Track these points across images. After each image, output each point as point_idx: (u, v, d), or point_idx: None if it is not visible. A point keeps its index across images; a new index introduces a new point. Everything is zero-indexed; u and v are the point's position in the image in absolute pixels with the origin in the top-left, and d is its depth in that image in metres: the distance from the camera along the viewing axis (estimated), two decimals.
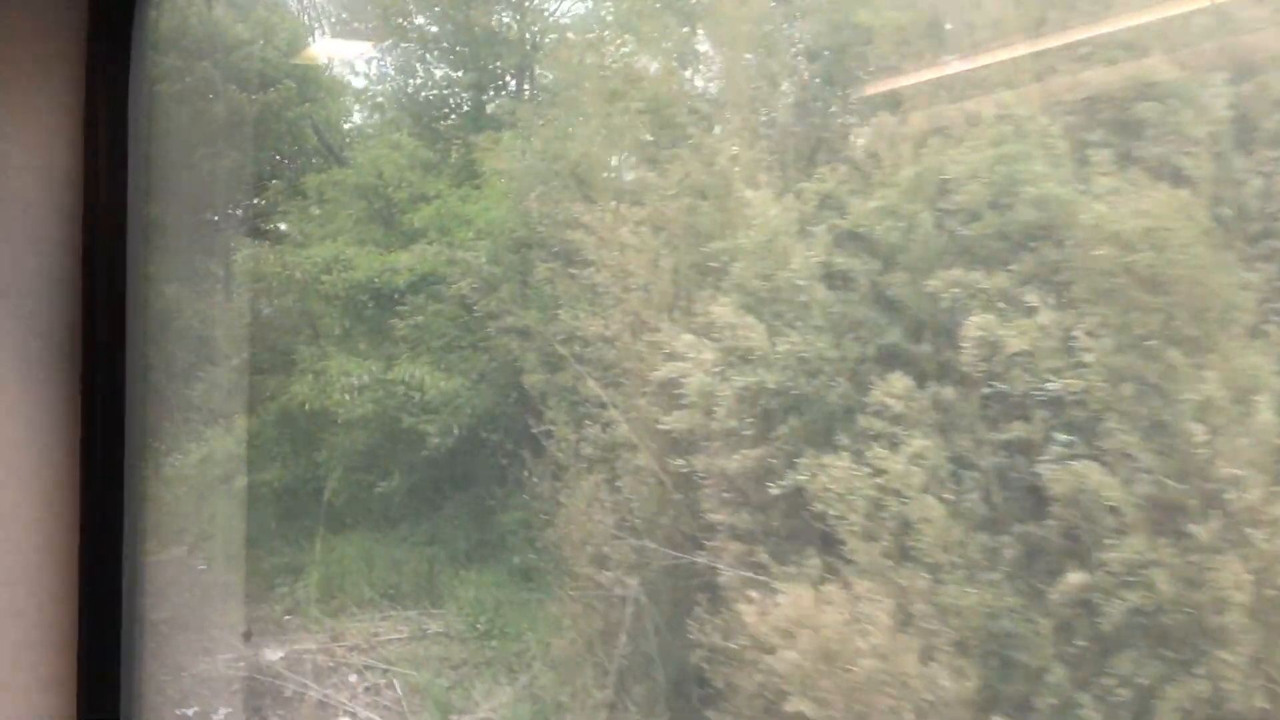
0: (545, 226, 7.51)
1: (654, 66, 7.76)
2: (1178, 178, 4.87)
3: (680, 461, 5.73)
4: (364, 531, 10.42)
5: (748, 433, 5.38)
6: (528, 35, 13.08)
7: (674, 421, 5.61)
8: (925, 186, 5.55)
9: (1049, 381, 4.93)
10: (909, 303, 5.46)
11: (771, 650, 5.04)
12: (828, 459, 5.22)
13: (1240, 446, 4.24)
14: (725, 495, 5.47)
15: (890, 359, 5.45)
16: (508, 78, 13.52)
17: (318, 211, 12.73)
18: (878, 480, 5.14)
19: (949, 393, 5.25)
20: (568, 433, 7.11)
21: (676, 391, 5.64)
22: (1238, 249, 4.75)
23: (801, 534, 5.43)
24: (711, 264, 5.76)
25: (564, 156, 7.75)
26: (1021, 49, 5.40)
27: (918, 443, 5.10)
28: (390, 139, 12.73)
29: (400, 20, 14.07)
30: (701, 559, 5.70)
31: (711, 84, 7.48)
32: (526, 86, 13.70)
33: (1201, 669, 4.23)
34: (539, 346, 7.99)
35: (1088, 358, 4.78)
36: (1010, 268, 5.31)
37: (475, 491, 9.07)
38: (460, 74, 14.30)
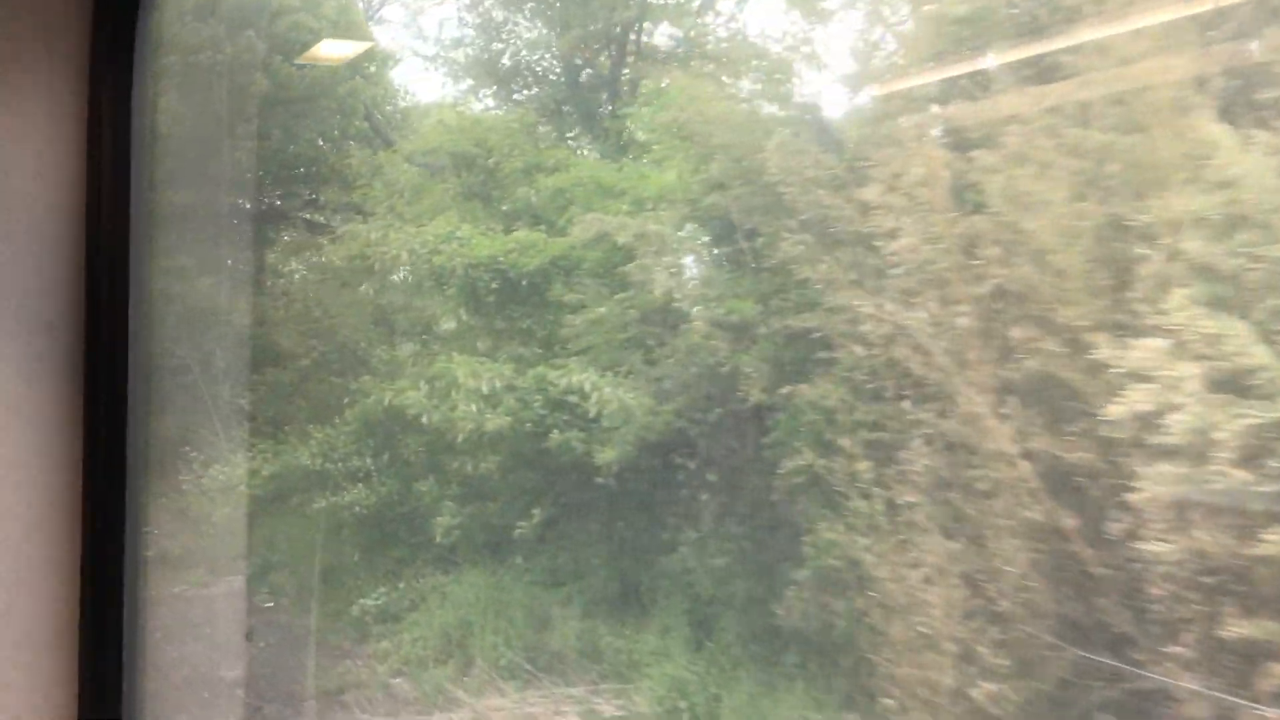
0: (789, 186, 5.70)
1: None
2: None
3: (1124, 531, 3.90)
4: (487, 572, 8.54)
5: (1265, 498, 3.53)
6: None
7: (1153, 477, 3.73)
8: None
9: None
10: None
11: None
12: None
13: None
14: (1232, 593, 3.64)
15: None
16: (620, 36, 11.70)
17: (391, 191, 10.84)
18: None
19: None
20: (845, 466, 5.26)
21: (1137, 429, 3.79)
22: None
23: None
24: (1140, 232, 3.94)
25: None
26: None
27: None
28: (486, 108, 10.87)
29: None
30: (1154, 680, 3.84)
31: None
32: (638, 44, 11.89)
33: None
34: (771, 346, 6.18)
35: None
36: None
37: (657, 532, 7.22)
38: (554, 33, 12.51)
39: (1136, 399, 3.84)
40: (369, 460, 10.15)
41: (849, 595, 5.27)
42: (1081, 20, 4.62)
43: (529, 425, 7.99)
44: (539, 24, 12.66)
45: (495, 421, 7.88)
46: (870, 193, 5.08)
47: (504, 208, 10.01)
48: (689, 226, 7.13)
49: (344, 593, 9.76)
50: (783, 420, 6.03)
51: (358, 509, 9.73)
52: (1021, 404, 4.46)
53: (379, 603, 9.12)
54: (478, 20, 13.41)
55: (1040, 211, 4.32)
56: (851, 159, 5.54)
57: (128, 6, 2.01)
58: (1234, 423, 3.59)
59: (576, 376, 7.51)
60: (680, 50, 10.19)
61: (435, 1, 14.30)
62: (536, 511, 8.10)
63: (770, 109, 7.01)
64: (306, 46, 13.33)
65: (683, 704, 6.25)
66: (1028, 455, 4.37)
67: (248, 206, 15.28)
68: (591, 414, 7.27)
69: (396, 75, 14.86)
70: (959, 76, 5.27)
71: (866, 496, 5.15)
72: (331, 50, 13.26)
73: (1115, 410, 3.91)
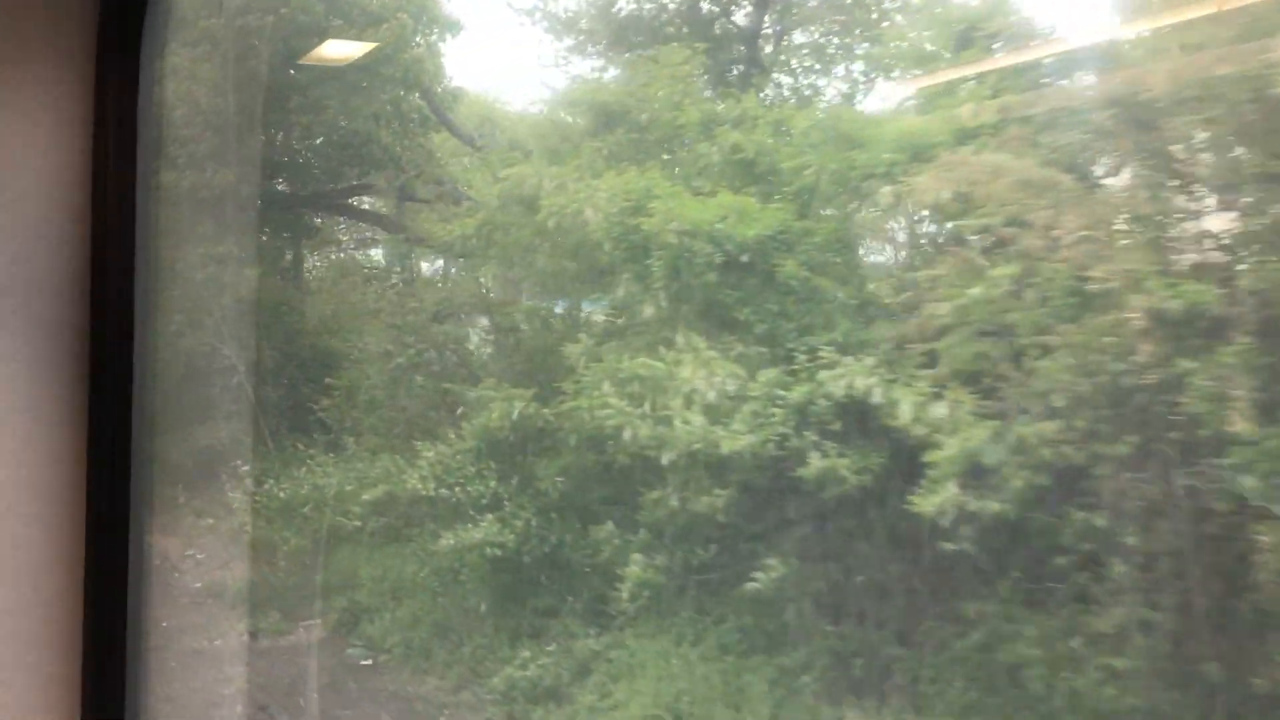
0: None
1: None
2: None
3: None
4: (673, 635, 6.55)
5: None
6: None
7: None
8: None
9: None
10: None
11: None
12: None
13: None
14: None
15: None
16: None
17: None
18: None
19: None
20: None
21: None
22: None
23: None
24: None
25: None
26: None
27: None
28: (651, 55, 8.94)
29: None
30: None
31: None
32: None
33: None
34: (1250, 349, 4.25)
35: None
36: None
37: (1012, 608, 5.23)
38: None
39: None
40: (495, 485, 8.08)
41: None
42: None
43: (770, 446, 6.00)
44: None
45: (737, 440, 5.89)
46: None
47: (676, 170, 8.04)
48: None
49: (471, 654, 7.67)
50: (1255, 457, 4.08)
51: (489, 549, 7.64)
52: None
53: (528, 673, 7.04)
54: None
55: None
56: None
57: (134, 5, 2.02)
58: None
59: (863, 381, 5.53)
60: None
61: None
62: (774, 562, 6.09)
63: None
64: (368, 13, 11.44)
65: None
66: None
67: (315, 186, 13.17)
68: (908, 436, 5.28)
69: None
70: None
71: None
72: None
73: None
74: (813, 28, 10.04)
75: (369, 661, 8.19)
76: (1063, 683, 5.01)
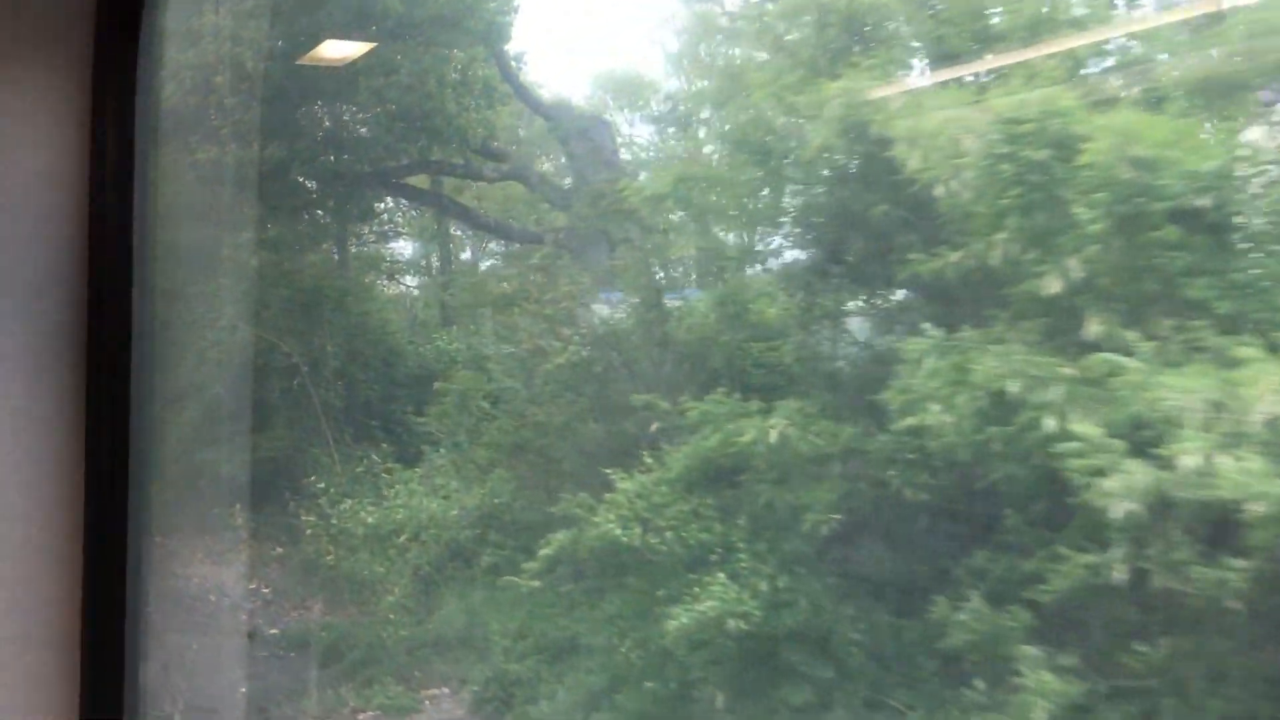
0: None
1: None
2: None
3: None
4: None
5: None
6: None
7: None
8: None
9: None
10: None
11: None
12: None
13: None
14: None
15: None
16: None
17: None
18: None
19: None
20: None
21: None
22: None
23: None
24: None
25: None
26: None
27: None
28: None
29: None
30: None
31: None
32: None
33: None
34: None
35: None
36: None
37: None
38: None
39: None
40: (720, 530, 5.93)
41: None
42: None
43: None
44: None
45: (1271, 484, 3.97)
46: None
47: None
48: None
49: None
50: None
51: (731, 620, 5.47)
52: None
53: None
54: None
55: None
56: None
57: (131, 5, 2.01)
58: None
59: None
60: None
61: None
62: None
63: None
64: None
65: None
66: None
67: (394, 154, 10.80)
68: None
69: None
70: None
71: None
72: None
73: None
74: None
75: None
76: None
